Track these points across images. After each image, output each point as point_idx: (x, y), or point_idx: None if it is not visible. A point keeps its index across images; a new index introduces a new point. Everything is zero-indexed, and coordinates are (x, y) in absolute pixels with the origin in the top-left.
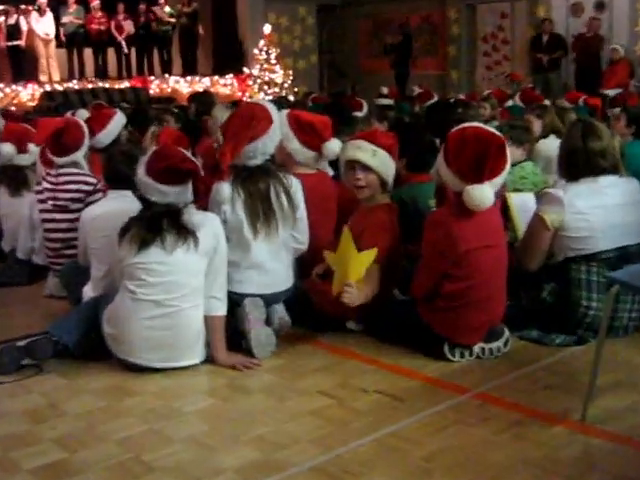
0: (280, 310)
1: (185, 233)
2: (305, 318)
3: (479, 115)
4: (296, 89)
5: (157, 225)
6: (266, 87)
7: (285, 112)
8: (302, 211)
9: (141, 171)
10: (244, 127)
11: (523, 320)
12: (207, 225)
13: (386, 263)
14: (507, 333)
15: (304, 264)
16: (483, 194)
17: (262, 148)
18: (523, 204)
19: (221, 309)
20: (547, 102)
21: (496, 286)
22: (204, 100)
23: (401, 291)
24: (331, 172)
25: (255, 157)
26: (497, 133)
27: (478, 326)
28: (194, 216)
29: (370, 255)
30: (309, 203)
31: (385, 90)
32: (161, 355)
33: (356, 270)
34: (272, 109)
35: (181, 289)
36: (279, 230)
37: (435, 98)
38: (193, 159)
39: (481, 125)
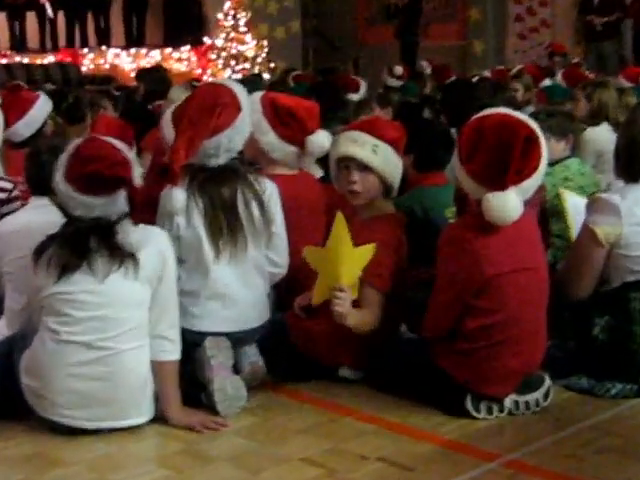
0: (252, 353)
1: (121, 255)
2: (285, 363)
3: (512, 99)
4: (272, 65)
5: (83, 245)
6: (233, 62)
7: (258, 95)
8: (279, 224)
9: (59, 176)
10: (204, 116)
11: (569, 365)
12: (150, 243)
13: (391, 291)
14: (548, 382)
15: (283, 293)
16: (507, 204)
17: (227, 143)
18: (576, 208)
19: (172, 352)
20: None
21: (533, 321)
22: (156, 79)
23: (410, 328)
24: (318, 173)
25: (218, 155)
26: (527, 121)
27: (510, 373)
28: (132, 232)
29: (368, 252)
30: (289, 214)
31: (399, 70)
32: (95, 413)
33: (350, 270)
34: (240, 92)
35: (118, 326)
36: (248, 249)
37: (453, 77)
38: (128, 159)
39: (508, 112)
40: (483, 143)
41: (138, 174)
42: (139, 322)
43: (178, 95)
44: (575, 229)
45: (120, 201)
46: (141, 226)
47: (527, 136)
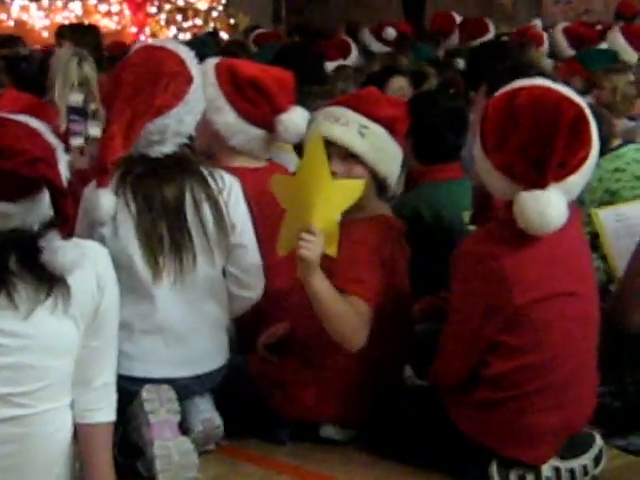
0: (205, 407)
1: (49, 280)
2: (251, 420)
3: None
4: (232, 21)
5: (0, 266)
6: (180, 18)
7: (212, 63)
8: (246, 233)
9: None
10: (144, 91)
11: (627, 419)
12: (85, 264)
13: (387, 320)
14: (599, 442)
15: (245, 325)
16: (547, 206)
17: (176, 125)
18: (622, 223)
19: (108, 412)
20: None
21: (579, 362)
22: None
23: (416, 372)
24: (293, 164)
25: (163, 141)
26: (573, 97)
27: (548, 432)
28: (62, 249)
29: (352, 188)
30: (257, 219)
31: (391, 33)
32: None
33: (325, 209)
34: (190, 58)
35: (38, 379)
36: (199, 267)
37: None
38: (52, 149)
39: (547, 84)
40: (515, 127)
41: (64, 167)
42: (63, 374)
43: (64, 64)
44: (619, 264)
45: (43, 206)
46: (73, 240)
47: (574, 118)
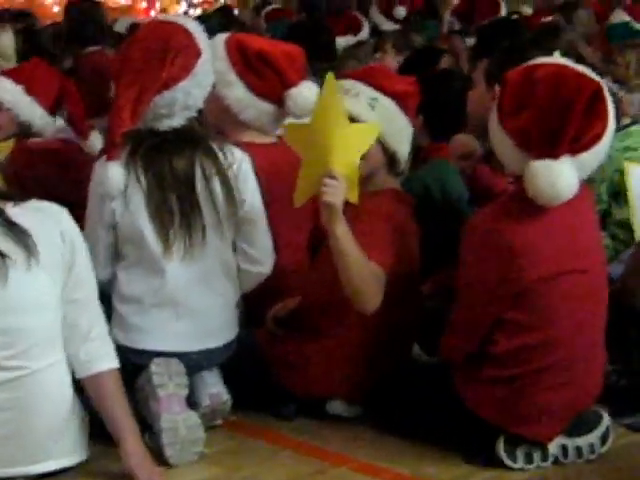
0: (213, 381)
1: (19, 234)
2: (258, 395)
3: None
4: None
5: None
6: None
7: (222, 37)
8: (255, 207)
9: None
10: (152, 64)
11: (634, 399)
12: (47, 224)
13: (393, 283)
14: (606, 421)
15: (256, 301)
16: (559, 177)
17: (184, 99)
18: None
19: (110, 358)
20: None
21: (587, 340)
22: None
23: (424, 349)
24: None
25: (171, 114)
26: (592, 75)
27: (556, 409)
28: (19, 212)
29: (370, 131)
30: (267, 194)
31: (401, 12)
32: (1, 456)
33: (344, 153)
34: (199, 32)
35: (27, 337)
36: (209, 241)
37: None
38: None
39: (568, 62)
40: (534, 97)
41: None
42: (50, 330)
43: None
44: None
45: None
46: (31, 202)
47: (592, 94)
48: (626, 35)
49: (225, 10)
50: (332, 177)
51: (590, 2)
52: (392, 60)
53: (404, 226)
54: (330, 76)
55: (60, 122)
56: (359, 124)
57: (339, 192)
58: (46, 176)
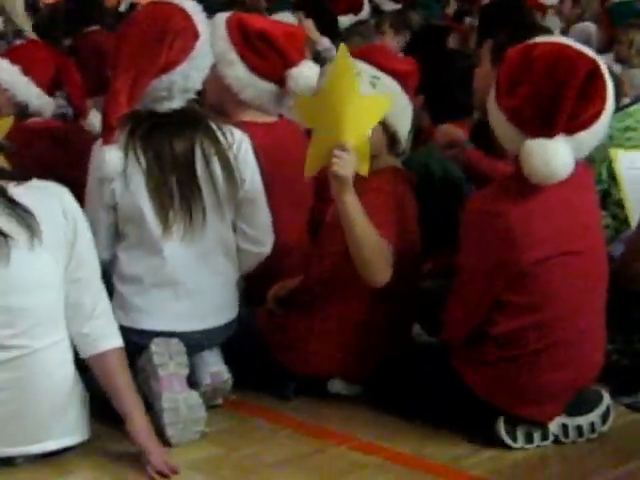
0: (214, 361)
1: (22, 213)
2: (258, 374)
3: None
4: None
5: None
6: None
7: (222, 17)
8: (255, 187)
9: None
10: (150, 47)
11: (635, 376)
12: (49, 200)
13: (398, 263)
14: (607, 400)
15: (256, 280)
16: (554, 155)
17: (183, 81)
18: (636, 171)
19: (115, 337)
20: None
21: (587, 320)
22: None
23: (425, 329)
24: None
25: (170, 97)
26: (590, 54)
27: (556, 389)
28: (19, 192)
29: (382, 103)
30: (267, 174)
31: None
32: (1, 434)
33: (356, 125)
34: (197, 13)
35: (28, 316)
36: (209, 222)
37: None
38: None
39: (567, 41)
40: (530, 74)
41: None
42: (52, 309)
43: None
44: (635, 212)
45: None
46: (33, 182)
47: (589, 72)
48: (630, 14)
49: None
50: (343, 149)
51: None
52: (391, 40)
53: (404, 203)
54: (343, 47)
55: (60, 101)
56: (371, 96)
57: (349, 164)
58: (44, 155)
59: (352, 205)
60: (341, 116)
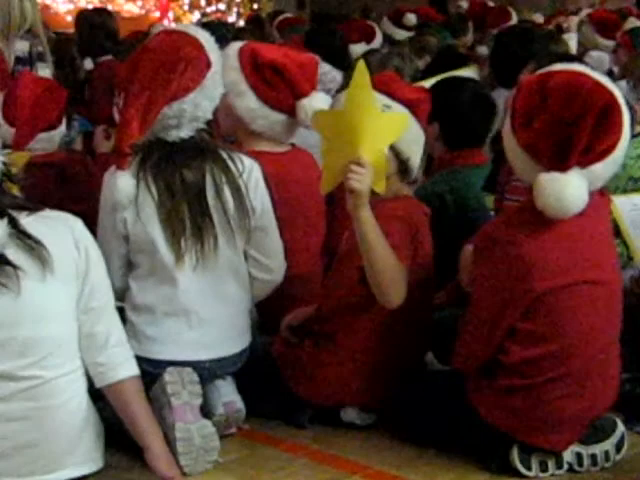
0: (227, 390)
1: (34, 244)
2: (272, 404)
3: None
4: (256, 6)
5: None
6: (203, 2)
7: (235, 46)
8: (266, 215)
9: None
10: (162, 75)
11: None
12: (61, 229)
13: (411, 290)
14: (621, 428)
15: (269, 308)
16: (565, 189)
17: (193, 110)
18: (637, 212)
19: (130, 365)
20: None
21: (601, 350)
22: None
23: (437, 357)
24: (316, 149)
25: (180, 125)
26: (607, 84)
27: (570, 418)
28: (29, 222)
29: (400, 121)
30: (279, 202)
31: (411, 19)
32: (16, 465)
33: (372, 140)
34: (209, 41)
35: (41, 347)
36: (220, 250)
37: (511, 21)
38: None
39: (583, 70)
40: (544, 106)
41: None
42: (65, 340)
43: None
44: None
45: None
46: (45, 212)
47: (605, 106)
48: None
49: (258, 21)
50: (359, 163)
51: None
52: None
53: (420, 232)
54: (361, 64)
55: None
56: (390, 113)
57: (366, 179)
58: (44, 189)
59: (368, 220)
60: (358, 131)
